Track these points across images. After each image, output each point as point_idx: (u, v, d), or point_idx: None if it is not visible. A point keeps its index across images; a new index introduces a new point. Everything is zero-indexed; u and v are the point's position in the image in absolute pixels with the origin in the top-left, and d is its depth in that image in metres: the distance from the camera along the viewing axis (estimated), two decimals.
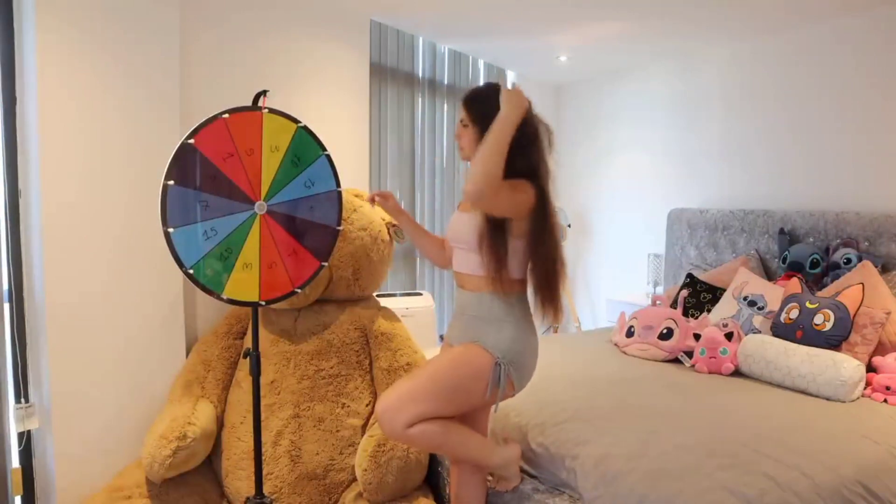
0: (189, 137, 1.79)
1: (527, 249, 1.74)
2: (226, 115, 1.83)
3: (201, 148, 1.80)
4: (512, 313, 1.76)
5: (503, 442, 2.02)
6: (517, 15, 3.33)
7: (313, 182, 1.96)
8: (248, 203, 1.86)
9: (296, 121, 1.94)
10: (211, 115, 1.82)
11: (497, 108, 1.71)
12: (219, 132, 1.82)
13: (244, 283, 1.87)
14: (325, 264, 2.01)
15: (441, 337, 1.98)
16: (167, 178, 1.77)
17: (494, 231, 1.70)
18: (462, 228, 1.79)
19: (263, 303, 1.91)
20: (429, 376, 1.73)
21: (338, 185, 2.02)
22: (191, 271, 1.80)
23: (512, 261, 1.74)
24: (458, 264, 1.85)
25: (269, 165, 1.89)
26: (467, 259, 1.80)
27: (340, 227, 2.04)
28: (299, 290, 1.97)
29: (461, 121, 1.82)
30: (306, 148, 1.95)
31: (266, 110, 1.89)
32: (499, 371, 1.70)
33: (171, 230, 1.77)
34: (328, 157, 1.99)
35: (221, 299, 1.86)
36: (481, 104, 1.78)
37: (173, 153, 1.78)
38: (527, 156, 1.74)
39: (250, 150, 1.87)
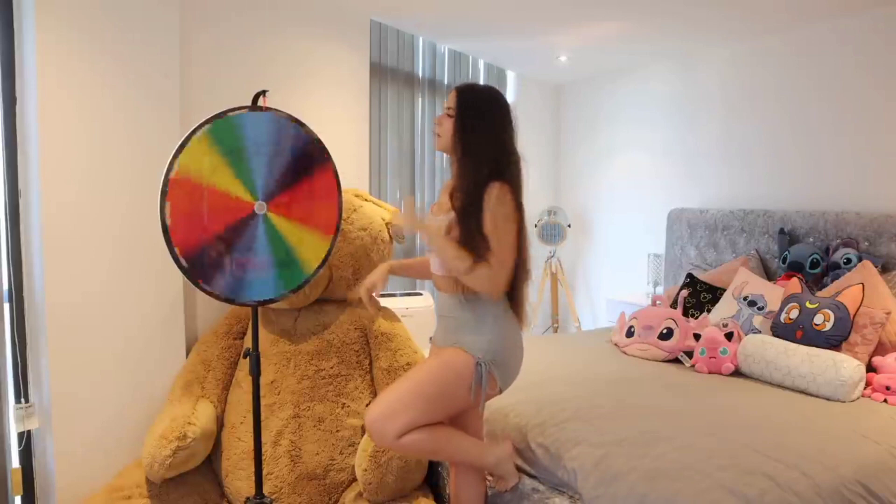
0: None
1: None
2: (173, 173, 1.77)
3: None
4: (488, 312, 1.76)
5: (497, 441, 2.03)
6: (517, 15, 3.33)
7: (260, 143, 1.88)
8: (253, 217, 1.87)
9: (201, 125, 1.82)
10: (161, 184, 1.77)
11: (486, 115, 1.73)
12: (180, 190, 1.79)
13: (311, 248, 1.93)
14: (336, 170, 2.00)
15: (431, 339, 1.98)
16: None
17: (461, 231, 1.71)
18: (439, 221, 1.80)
19: (332, 236, 1.95)
20: (414, 384, 1.73)
21: (286, 119, 1.92)
22: (276, 297, 1.88)
23: None
24: (434, 267, 1.85)
25: (226, 181, 1.84)
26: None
27: (321, 146, 1.96)
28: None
29: (447, 109, 1.80)
30: (225, 133, 1.84)
31: (196, 135, 1.81)
32: (480, 371, 1.71)
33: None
34: (251, 108, 1.87)
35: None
36: (473, 102, 1.77)
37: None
38: (495, 159, 1.73)
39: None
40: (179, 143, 1.78)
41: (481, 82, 4.39)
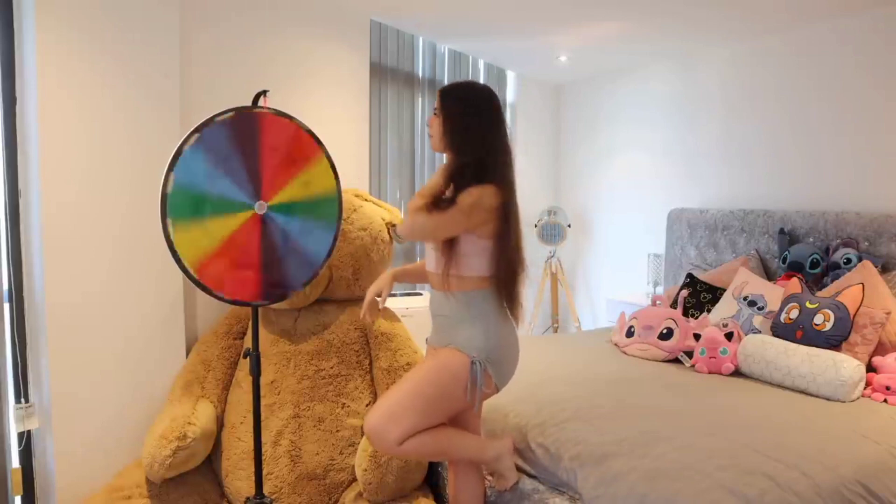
0: (259, 107, 1.83)
1: (494, 249, 1.74)
2: (295, 121, 1.89)
3: (263, 123, 1.85)
4: (481, 310, 1.76)
5: (497, 437, 2.03)
6: (517, 15, 3.33)
7: (311, 235, 1.96)
8: (255, 195, 1.86)
9: (338, 185, 1.99)
10: (283, 112, 1.89)
11: (469, 109, 1.74)
12: (281, 126, 1.88)
13: (193, 243, 1.79)
14: (266, 302, 1.96)
15: (427, 339, 1.98)
16: (222, 114, 1.79)
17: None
18: None
19: (193, 280, 1.84)
20: (411, 389, 1.73)
21: (325, 260, 2.01)
22: (169, 187, 1.74)
23: (478, 259, 1.74)
24: (429, 264, 1.86)
25: (294, 191, 1.91)
26: (436, 259, 1.80)
27: (294, 291, 1.99)
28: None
29: (435, 109, 1.81)
30: (328, 211, 1.98)
31: (327, 156, 1.97)
32: (476, 370, 1.71)
33: (191, 141, 1.76)
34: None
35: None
36: (456, 101, 1.78)
37: (245, 104, 1.84)
38: (480, 158, 1.73)
39: (292, 164, 1.91)
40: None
41: (481, 82, 4.42)
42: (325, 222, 1.99)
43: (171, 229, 1.75)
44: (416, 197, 1.72)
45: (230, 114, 1.81)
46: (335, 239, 2.00)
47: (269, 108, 1.89)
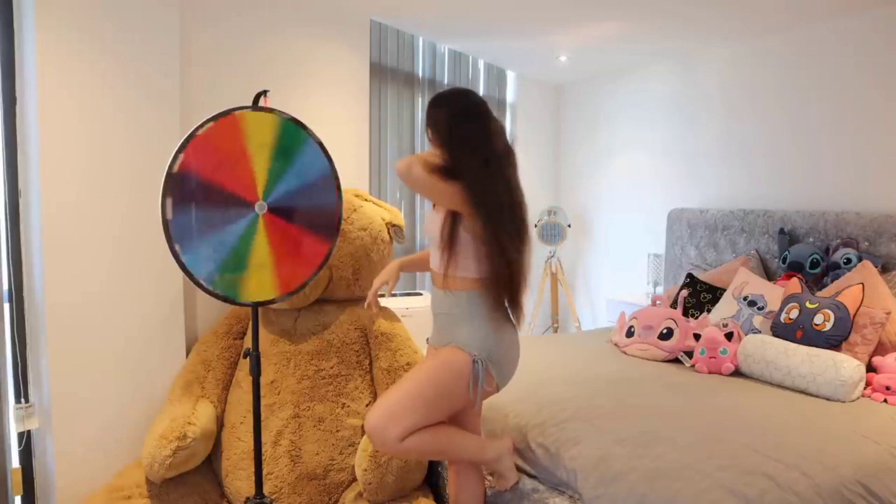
0: (173, 163, 1.77)
1: (488, 251, 1.74)
2: (202, 130, 1.80)
3: (188, 169, 1.79)
4: (482, 309, 1.76)
5: (497, 437, 2.03)
6: (517, 15, 3.33)
7: (305, 168, 1.95)
8: (247, 207, 1.86)
9: (273, 111, 1.91)
10: (187, 134, 1.80)
11: (447, 117, 1.77)
12: (202, 147, 1.81)
13: (261, 282, 1.89)
14: (335, 243, 2.02)
15: (427, 339, 1.98)
16: (163, 209, 1.76)
17: (449, 228, 1.73)
18: (431, 226, 1.82)
19: (283, 297, 1.95)
20: (412, 387, 1.73)
21: (331, 165, 2.00)
22: (208, 286, 1.82)
23: (475, 260, 1.75)
24: (432, 262, 1.86)
25: (260, 163, 1.88)
26: (438, 257, 1.81)
27: (341, 206, 2.02)
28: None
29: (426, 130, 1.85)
30: (292, 137, 1.93)
31: (242, 110, 1.86)
32: (477, 368, 1.71)
33: (179, 251, 1.78)
34: (318, 141, 1.96)
35: (243, 304, 1.90)
36: (435, 111, 1.81)
37: (161, 184, 1.76)
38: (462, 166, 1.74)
39: (238, 153, 1.86)
40: (252, 101, 1.82)
41: (481, 82, 4.42)
42: (302, 144, 1.94)
43: (245, 299, 1.88)
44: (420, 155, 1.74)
45: (168, 201, 1.78)
46: (321, 146, 1.97)
47: (186, 138, 1.81)
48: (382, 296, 2.02)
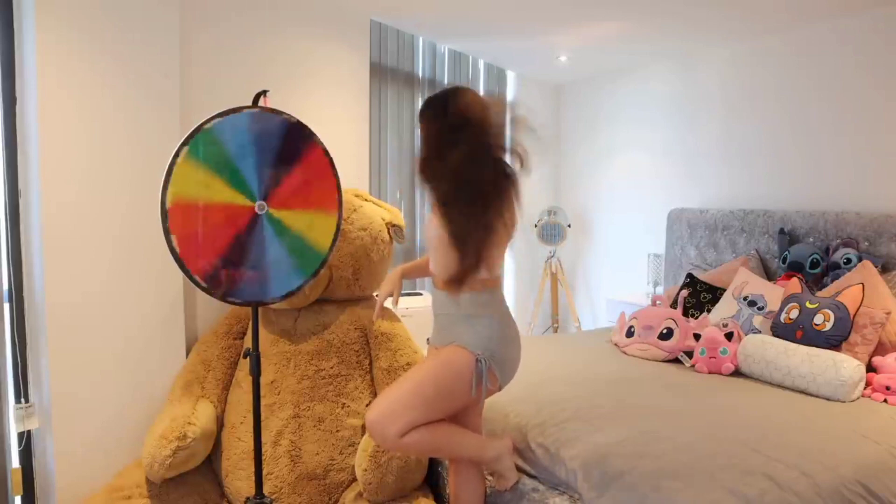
0: (207, 122, 1.80)
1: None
2: (338, 181, 1.97)
3: (309, 150, 1.91)
4: (485, 308, 1.77)
5: (498, 436, 2.03)
6: (517, 15, 3.33)
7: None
8: (263, 194, 1.87)
9: (331, 249, 1.98)
10: (335, 166, 1.96)
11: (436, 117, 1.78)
12: (323, 168, 1.95)
13: (188, 182, 1.80)
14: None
15: (428, 340, 1.98)
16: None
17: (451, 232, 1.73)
18: (432, 228, 1.81)
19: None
20: (414, 384, 1.73)
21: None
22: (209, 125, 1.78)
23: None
24: (432, 265, 1.86)
25: (295, 219, 1.92)
26: (438, 259, 1.81)
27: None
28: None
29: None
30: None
31: (338, 223, 1.98)
32: (480, 367, 1.71)
33: (244, 111, 1.81)
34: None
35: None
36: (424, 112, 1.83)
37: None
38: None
39: (310, 199, 1.94)
40: (165, 172, 1.76)
41: (481, 82, 4.42)
42: (300, 268, 1.95)
43: (180, 157, 1.77)
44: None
45: (293, 119, 1.88)
46: (290, 293, 1.95)
47: (322, 147, 1.95)
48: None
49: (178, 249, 1.78)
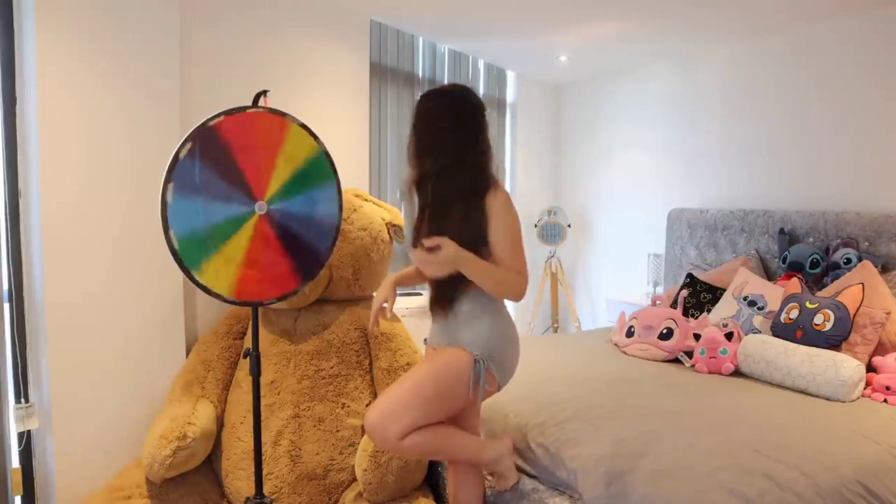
0: (212, 120, 1.78)
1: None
2: (254, 109, 1.84)
3: (223, 132, 1.80)
4: (486, 309, 1.76)
5: (498, 437, 2.03)
6: (517, 15, 3.33)
7: (317, 203, 1.96)
8: (250, 199, 1.85)
9: (319, 141, 1.94)
10: (242, 105, 1.83)
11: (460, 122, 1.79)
12: (244, 122, 1.83)
13: (221, 275, 1.83)
14: (304, 286, 1.98)
15: (425, 340, 1.98)
16: (181, 148, 1.76)
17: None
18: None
19: (230, 300, 1.87)
20: (413, 386, 1.73)
21: (339, 216, 2.01)
22: (176, 245, 1.76)
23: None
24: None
25: (281, 171, 1.88)
26: None
27: (328, 257, 2.01)
28: (266, 303, 1.95)
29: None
30: (321, 170, 1.95)
31: (294, 121, 1.89)
32: (479, 368, 1.71)
33: (170, 194, 1.74)
34: (338, 188, 1.98)
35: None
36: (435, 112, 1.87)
37: (194, 127, 1.77)
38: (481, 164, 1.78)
39: (269, 151, 1.86)
40: (252, 101, 1.81)
41: (481, 82, 4.41)
42: (324, 182, 1.96)
43: (198, 276, 1.79)
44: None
45: (188, 145, 1.78)
46: (339, 193, 1.98)
47: (221, 117, 1.82)
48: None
49: (177, 248, 1.77)
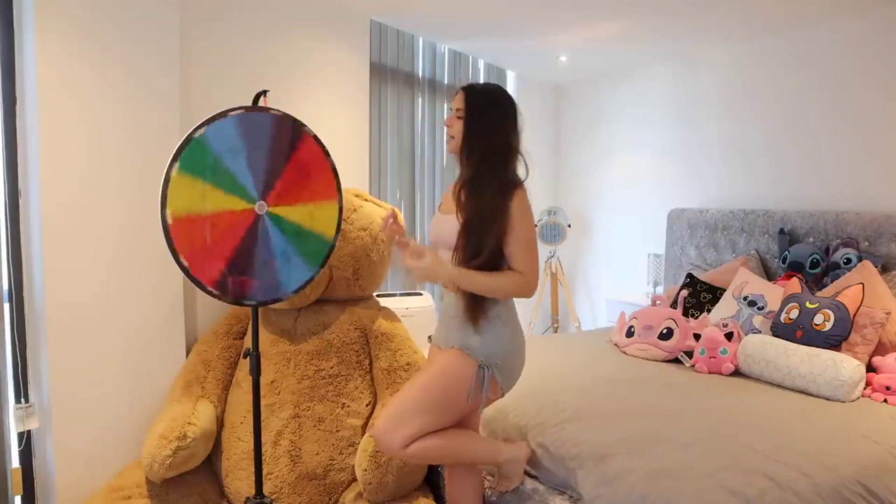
0: (304, 126, 1.86)
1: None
2: (332, 165, 1.98)
3: (302, 142, 1.91)
4: (495, 315, 1.75)
5: (514, 441, 2.03)
6: (517, 15, 3.33)
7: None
8: (261, 194, 1.86)
9: (335, 238, 2.00)
10: (328, 151, 1.97)
11: (496, 115, 1.76)
12: (317, 157, 1.94)
13: (186, 196, 1.77)
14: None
15: (429, 338, 1.97)
16: (272, 109, 1.84)
17: (468, 233, 1.71)
18: (443, 230, 1.79)
19: (172, 251, 1.81)
20: (418, 392, 1.73)
21: (313, 276, 2.00)
22: (195, 135, 1.77)
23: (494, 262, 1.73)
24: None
25: (297, 213, 1.92)
26: (450, 260, 1.78)
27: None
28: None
29: (457, 110, 1.79)
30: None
31: (340, 205, 2.00)
32: (482, 374, 1.71)
33: (229, 114, 1.79)
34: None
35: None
36: (482, 102, 1.77)
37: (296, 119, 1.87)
38: (507, 160, 1.80)
39: (309, 190, 1.94)
40: (160, 192, 1.74)
41: (481, 81, 4.41)
42: (309, 259, 1.97)
43: (173, 172, 1.75)
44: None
45: (279, 113, 1.86)
46: (306, 283, 1.98)
47: (313, 136, 1.95)
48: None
49: (186, 264, 1.79)
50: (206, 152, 1.79)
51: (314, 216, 1.96)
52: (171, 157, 1.75)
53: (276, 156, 1.88)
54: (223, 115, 1.80)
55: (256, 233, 1.87)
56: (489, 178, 1.71)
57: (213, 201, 1.81)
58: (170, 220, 1.76)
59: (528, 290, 1.71)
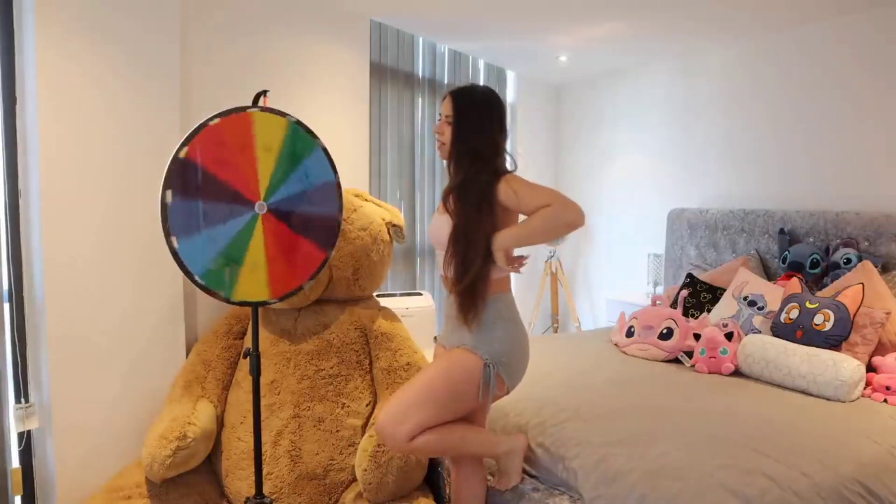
0: (180, 150, 1.77)
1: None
2: (214, 121, 1.81)
3: (194, 158, 1.78)
4: (497, 313, 1.76)
5: (512, 434, 2.04)
6: (517, 15, 3.33)
7: (309, 174, 1.94)
8: (248, 205, 1.85)
9: (286, 115, 1.90)
10: (198, 124, 1.79)
11: (483, 119, 1.76)
12: (209, 139, 1.80)
13: (253, 283, 1.87)
14: (330, 254, 2.00)
15: (435, 338, 1.98)
16: (164, 191, 1.75)
17: (456, 239, 1.72)
18: (441, 231, 1.80)
19: (275, 300, 1.92)
20: (422, 387, 1.74)
21: (335, 174, 1.99)
22: (201, 281, 1.80)
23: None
24: (442, 267, 1.85)
25: (265, 164, 1.87)
26: (447, 261, 1.80)
27: (342, 216, 2.01)
28: (307, 285, 1.97)
29: (446, 116, 1.81)
30: (301, 142, 1.92)
31: (254, 109, 1.86)
32: (488, 372, 1.72)
33: (175, 243, 1.76)
34: (324, 148, 1.96)
35: (232, 302, 1.87)
36: (469, 106, 1.79)
37: (167, 167, 1.75)
38: (494, 162, 1.78)
39: (244, 151, 1.85)
40: (252, 101, 1.81)
41: (481, 82, 4.42)
42: (309, 151, 1.94)
43: (235, 298, 1.84)
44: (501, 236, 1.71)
45: (168, 190, 1.76)
46: (325, 152, 1.97)
47: (323, 149, 1.95)
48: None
49: (206, 284, 1.80)
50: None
51: (268, 147, 1.89)
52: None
53: (209, 189, 1.81)
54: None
55: (284, 213, 1.90)
56: (475, 184, 1.72)
57: (256, 255, 1.87)
58: (276, 298, 1.90)
59: (570, 213, 1.70)
